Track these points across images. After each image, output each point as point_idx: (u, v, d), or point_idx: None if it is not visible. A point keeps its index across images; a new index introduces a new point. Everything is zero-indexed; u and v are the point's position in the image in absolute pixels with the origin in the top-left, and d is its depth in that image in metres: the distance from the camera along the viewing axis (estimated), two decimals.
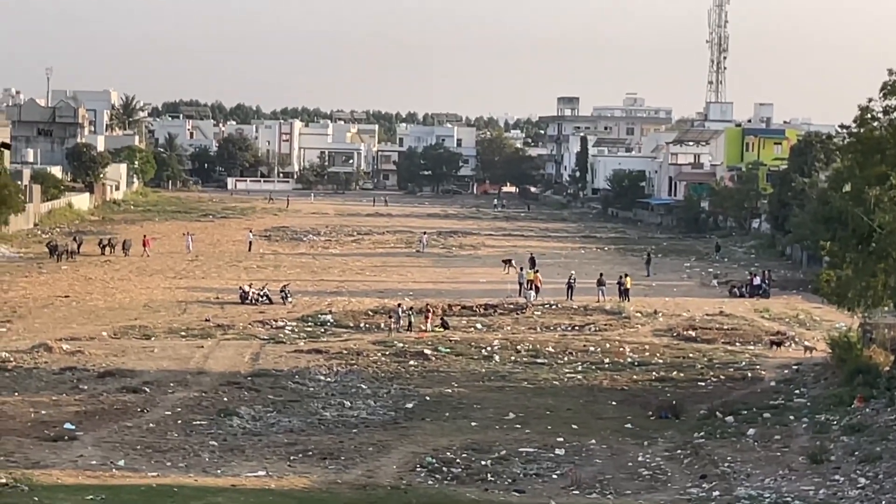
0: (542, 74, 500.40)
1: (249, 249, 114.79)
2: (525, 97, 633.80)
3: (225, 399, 52.45)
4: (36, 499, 35.49)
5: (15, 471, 38.02)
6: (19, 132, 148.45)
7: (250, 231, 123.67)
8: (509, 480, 40.47)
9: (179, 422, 47.87)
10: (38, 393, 52.79)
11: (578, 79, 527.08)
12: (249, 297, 79.43)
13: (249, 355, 63.88)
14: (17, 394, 52.03)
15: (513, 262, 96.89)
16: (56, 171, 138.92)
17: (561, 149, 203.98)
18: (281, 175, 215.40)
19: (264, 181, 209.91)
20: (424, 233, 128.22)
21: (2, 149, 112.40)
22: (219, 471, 40.28)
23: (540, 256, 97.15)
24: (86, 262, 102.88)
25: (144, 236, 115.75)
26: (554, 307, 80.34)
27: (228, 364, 61.15)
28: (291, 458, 43.17)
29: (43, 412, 48.58)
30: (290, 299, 78.75)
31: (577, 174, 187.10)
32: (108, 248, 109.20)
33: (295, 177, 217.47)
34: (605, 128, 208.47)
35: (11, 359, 59.86)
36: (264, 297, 79.27)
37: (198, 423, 47.92)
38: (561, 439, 46.34)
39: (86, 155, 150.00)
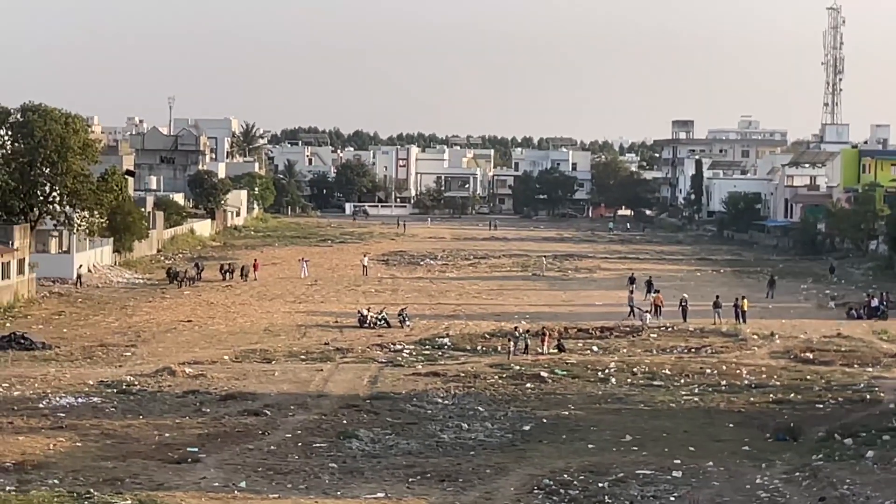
0: (656, 97, 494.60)
1: (365, 274, 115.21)
2: (640, 120, 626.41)
3: (344, 422, 52.54)
4: None
5: (140, 492, 38.75)
6: (143, 160, 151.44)
7: (365, 255, 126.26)
8: (627, 503, 40.06)
9: (300, 444, 48.27)
10: (162, 416, 53.06)
11: (693, 101, 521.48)
12: (368, 321, 79.28)
13: (368, 378, 64.06)
14: (141, 417, 52.32)
15: (634, 281, 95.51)
16: (178, 197, 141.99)
17: (676, 172, 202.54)
18: (398, 200, 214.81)
19: (381, 206, 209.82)
20: (542, 257, 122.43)
21: (126, 176, 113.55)
22: (339, 493, 40.68)
23: (656, 279, 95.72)
24: (207, 287, 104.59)
25: (255, 260, 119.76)
26: (670, 329, 79.25)
27: (347, 387, 61.48)
28: (410, 479, 42.85)
29: (167, 435, 48.89)
30: (408, 323, 78.75)
31: (692, 197, 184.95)
32: (228, 274, 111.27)
33: (412, 201, 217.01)
34: (720, 150, 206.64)
35: (136, 382, 60.65)
36: (382, 321, 78.89)
37: (318, 445, 48.21)
38: (678, 461, 45.74)
39: (207, 182, 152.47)
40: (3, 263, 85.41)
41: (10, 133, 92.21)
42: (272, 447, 47.84)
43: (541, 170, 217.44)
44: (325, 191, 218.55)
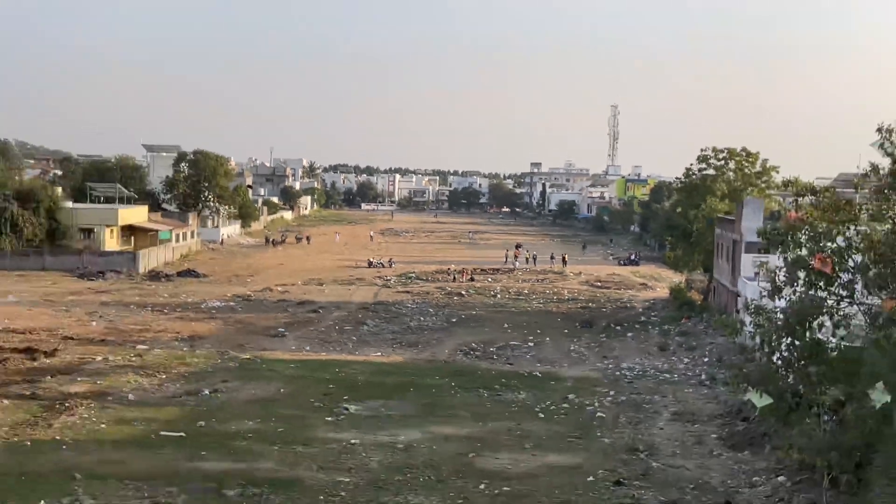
0: (521, 148, 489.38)
1: (371, 240, 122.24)
2: (512, 159, 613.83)
3: (360, 316, 55.88)
4: (265, 366, 39.95)
5: (253, 352, 42.90)
6: (256, 181, 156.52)
7: (371, 231, 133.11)
8: (504, 358, 44.24)
9: (337, 327, 51.37)
10: (266, 313, 56.35)
11: (540, 148, 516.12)
12: (373, 264, 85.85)
13: (373, 294, 67.07)
14: (254, 313, 55.75)
15: (519, 247, 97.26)
16: (274, 199, 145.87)
17: (532, 189, 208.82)
18: (389, 202, 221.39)
19: (380, 205, 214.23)
20: (469, 233, 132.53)
21: (247, 188, 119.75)
22: (357, 353, 44.06)
23: (523, 244, 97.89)
24: (290, 247, 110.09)
25: (336, 233, 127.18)
26: (527, 270, 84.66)
27: (362, 298, 65.07)
28: (394, 346, 46.73)
29: (268, 323, 52.17)
30: (393, 265, 77.47)
31: (540, 202, 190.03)
32: (298, 240, 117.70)
33: (396, 203, 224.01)
34: (555, 178, 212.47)
35: (252, 295, 64.33)
36: (380, 264, 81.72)
37: (346, 328, 51.19)
38: (531, 337, 50.08)
39: (290, 192, 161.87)
40: (184, 233, 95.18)
41: (187, 165, 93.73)
42: (322, 329, 51.20)
43: (464, 187, 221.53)
44: (351, 197, 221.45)
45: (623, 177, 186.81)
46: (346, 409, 31.91)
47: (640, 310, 61.08)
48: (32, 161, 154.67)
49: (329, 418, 30.53)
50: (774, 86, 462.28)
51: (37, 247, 74.33)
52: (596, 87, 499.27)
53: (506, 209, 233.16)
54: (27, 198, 75.81)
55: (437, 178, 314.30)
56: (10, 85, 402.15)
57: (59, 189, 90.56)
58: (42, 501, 21.63)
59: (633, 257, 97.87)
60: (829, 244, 20.40)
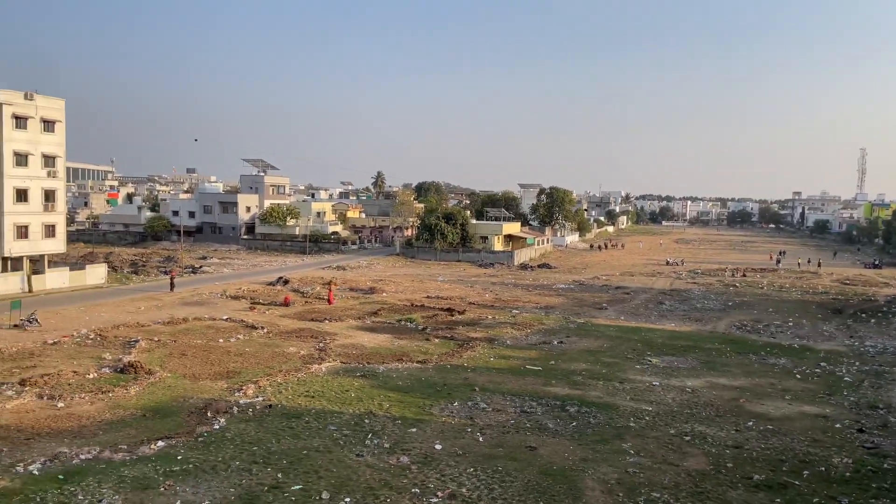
0: (785, 177, 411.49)
1: (660, 246, 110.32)
2: (774, 186, 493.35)
3: (659, 298, 51.45)
4: (593, 328, 38.15)
5: (585, 318, 41.27)
6: (589, 205, 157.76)
7: (660, 241, 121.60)
8: (769, 333, 38.82)
9: (643, 305, 48.38)
10: (594, 293, 53.98)
11: (798, 177, 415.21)
12: (669, 263, 77.83)
13: (669, 283, 60.99)
14: (586, 293, 53.45)
15: (783, 253, 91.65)
16: (601, 218, 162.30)
17: (794, 211, 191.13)
18: (682, 220, 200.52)
19: (674, 222, 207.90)
20: (780, 251, 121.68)
21: (584, 210, 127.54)
22: (657, 323, 41.48)
23: (786, 251, 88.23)
24: (611, 250, 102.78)
25: (639, 241, 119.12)
26: (787, 269, 78.55)
27: (661, 286, 59.52)
28: (684, 320, 42.24)
29: (595, 299, 49.78)
30: (684, 263, 79.90)
31: (800, 221, 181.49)
32: (615, 246, 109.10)
33: (686, 221, 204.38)
34: (812, 203, 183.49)
35: (584, 280, 61.00)
36: (675, 262, 77.66)
37: (649, 305, 48.07)
38: (790, 320, 43.79)
39: (612, 213, 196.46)
40: (542, 240, 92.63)
41: (545, 196, 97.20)
42: (633, 305, 48.36)
43: (739, 209, 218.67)
44: (654, 216, 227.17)
45: (869, 202, 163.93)
46: (650, 360, 30.60)
47: (883, 302, 53.06)
48: (453, 194, 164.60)
49: (637, 366, 29.43)
50: None
51: (454, 247, 78.05)
52: (849, 132, 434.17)
53: (771, 225, 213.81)
54: (449, 217, 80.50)
55: (719, 202, 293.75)
56: (435, 144, 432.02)
57: (468, 212, 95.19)
58: (456, 402, 22.86)
59: (876, 262, 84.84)
60: None
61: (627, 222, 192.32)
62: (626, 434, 20.12)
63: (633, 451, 18.71)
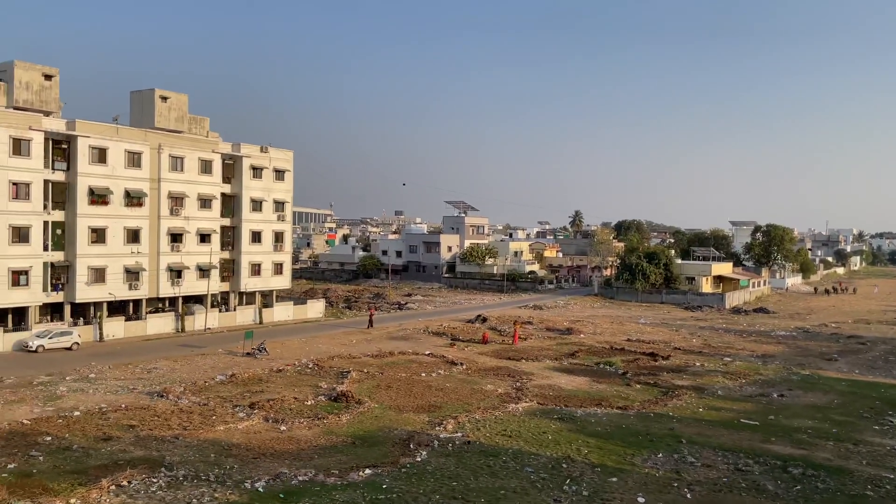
0: None
1: None
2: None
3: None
4: (820, 381, 34.36)
5: (811, 370, 36.73)
6: (813, 245, 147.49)
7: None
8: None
9: (882, 357, 42.09)
10: (820, 342, 48.67)
11: None
12: None
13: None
14: (811, 342, 48.73)
15: None
16: (829, 259, 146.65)
17: None
18: None
19: None
20: None
21: (808, 250, 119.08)
22: (885, 376, 36.30)
23: None
24: (840, 294, 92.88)
25: (875, 285, 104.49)
26: None
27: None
28: None
29: (822, 349, 44.61)
30: None
31: None
32: (845, 290, 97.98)
33: None
34: None
35: (809, 328, 55.57)
36: None
37: (890, 359, 41.63)
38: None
39: (841, 253, 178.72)
40: (758, 281, 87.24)
41: (761, 234, 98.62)
42: (869, 357, 42.74)
43: None
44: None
45: None
46: (891, 421, 27.46)
47: None
48: (655, 233, 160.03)
49: (875, 427, 26.45)
50: None
51: (657, 288, 75.75)
52: None
53: None
54: (651, 256, 78.22)
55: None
56: (636, 182, 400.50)
57: (672, 251, 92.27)
58: (660, 453, 21.75)
59: None
60: None
61: (861, 263, 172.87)
62: None
63: None
